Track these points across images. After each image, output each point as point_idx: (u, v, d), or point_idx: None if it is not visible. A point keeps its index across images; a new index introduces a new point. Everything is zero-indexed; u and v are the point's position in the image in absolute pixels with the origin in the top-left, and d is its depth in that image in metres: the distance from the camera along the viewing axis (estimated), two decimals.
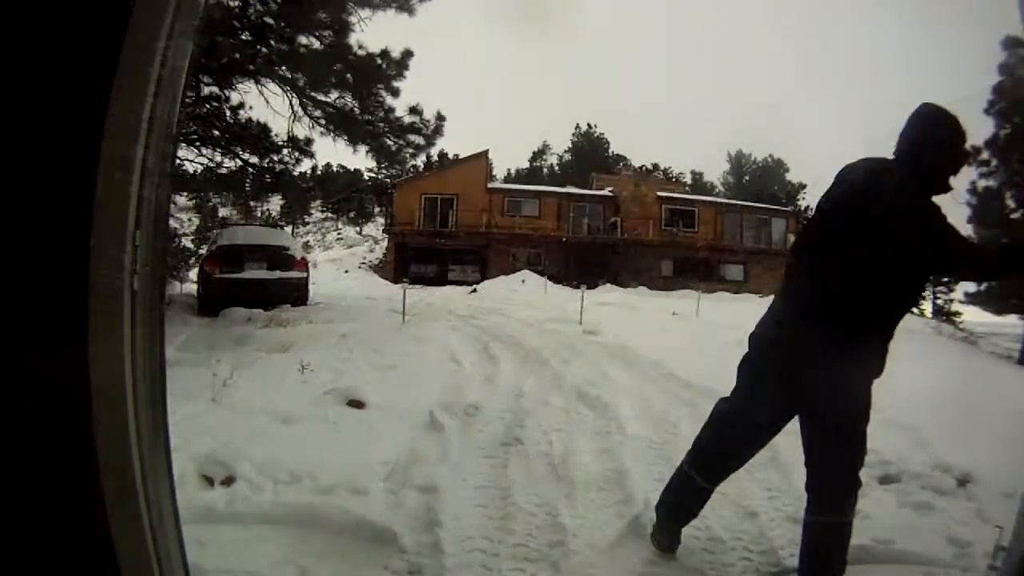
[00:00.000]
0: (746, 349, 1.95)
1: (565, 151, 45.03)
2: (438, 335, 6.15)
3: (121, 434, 0.98)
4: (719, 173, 46.57)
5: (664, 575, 1.89)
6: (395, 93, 8.96)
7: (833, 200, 1.83)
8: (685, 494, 1.97)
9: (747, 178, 44.27)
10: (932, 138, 1.75)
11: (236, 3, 7.07)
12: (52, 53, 0.96)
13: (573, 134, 44.29)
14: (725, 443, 1.94)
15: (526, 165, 47.26)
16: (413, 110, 9.35)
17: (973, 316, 15.54)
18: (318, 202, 39.28)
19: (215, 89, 8.29)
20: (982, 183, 11.52)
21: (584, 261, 22.90)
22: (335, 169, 38.22)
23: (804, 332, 1.75)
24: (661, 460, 2.87)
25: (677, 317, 9.49)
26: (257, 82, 8.29)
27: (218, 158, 9.64)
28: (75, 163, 0.96)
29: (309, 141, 9.58)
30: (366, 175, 36.89)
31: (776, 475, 2.66)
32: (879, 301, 1.72)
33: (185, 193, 16.91)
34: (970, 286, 13.85)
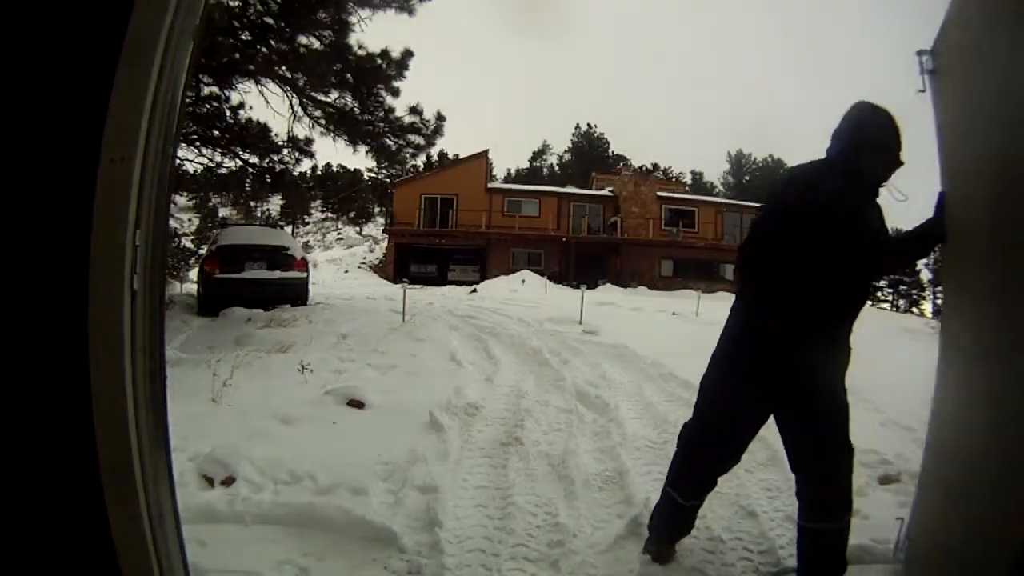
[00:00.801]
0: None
1: (565, 151, 45.21)
2: (438, 335, 6.15)
3: (121, 434, 0.98)
4: (719, 173, 46.70)
5: (664, 575, 1.89)
6: (395, 93, 8.97)
7: (770, 211, 1.85)
8: (670, 512, 1.96)
9: (747, 178, 44.31)
10: (862, 141, 1.74)
11: (236, 3, 7.08)
12: (52, 53, 0.96)
13: (573, 134, 44.44)
14: (698, 459, 1.92)
15: (526, 165, 47.39)
16: (413, 110, 9.36)
17: None
18: (318, 202, 39.37)
19: (215, 89, 8.30)
20: None
21: (584, 261, 22.92)
22: (335, 169, 38.32)
23: (772, 340, 1.74)
24: (661, 460, 2.87)
25: (677, 317, 9.49)
26: (257, 82, 8.30)
27: (218, 158, 9.66)
28: (75, 163, 0.96)
29: (309, 141, 9.60)
30: (366, 175, 36.99)
31: (776, 475, 2.66)
32: (831, 301, 1.72)
33: (185, 193, 16.93)
34: None
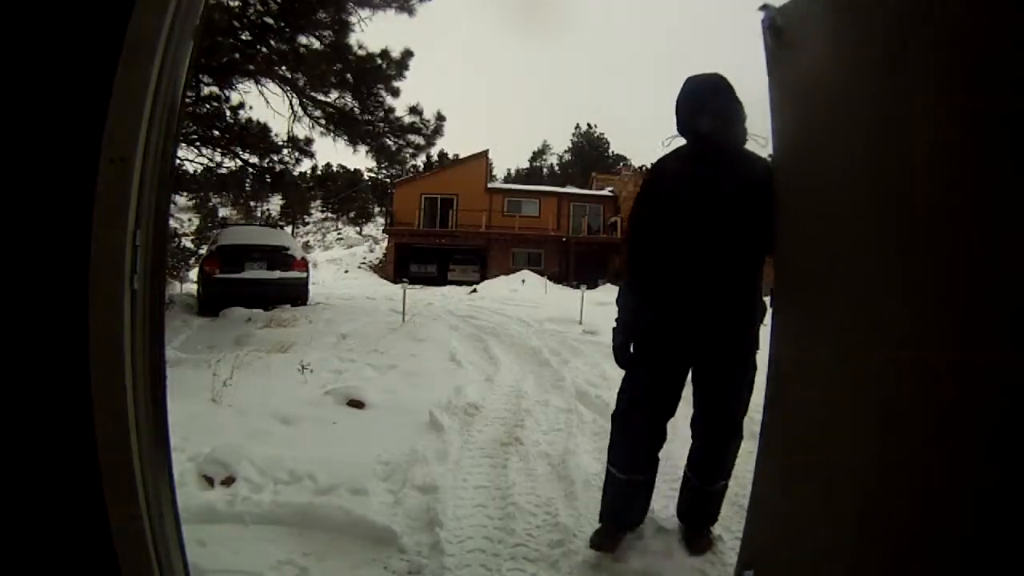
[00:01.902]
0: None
1: (565, 151, 45.13)
2: (438, 335, 6.15)
3: (121, 434, 0.98)
4: None
5: (664, 574, 1.89)
6: (395, 93, 8.98)
7: (654, 196, 1.94)
8: (613, 492, 1.99)
9: None
10: (718, 113, 1.81)
11: (236, 3, 7.08)
12: (53, 53, 0.96)
13: (573, 134, 44.36)
14: (631, 430, 1.99)
15: (526, 165, 47.38)
16: (413, 110, 9.37)
17: None
18: (318, 202, 39.37)
19: (215, 89, 8.30)
20: None
21: (584, 261, 22.90)
22: (335, 169, 38.31)
23: (698, 310, 1.84)
24: (660, 460, 2.87)
25: None
26: (257, 82, 8.30)
27: (218, 158, 9.66)
28: (75, 163, 0.96)
29: (309, 141, 9.61)
30: (366, 175, 36.99)
31: None
32: (749, 268, 1.85)
33: (185, 193, 16.92)
34: None
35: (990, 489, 0.86)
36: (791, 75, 1.46)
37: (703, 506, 2.04)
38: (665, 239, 1.88)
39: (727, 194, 1.78)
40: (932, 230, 0.97)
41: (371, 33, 8.56)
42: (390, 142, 9.62)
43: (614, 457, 2.01)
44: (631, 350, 1.98)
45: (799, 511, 1.34)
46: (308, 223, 38.81)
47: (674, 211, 1.85)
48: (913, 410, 1.00)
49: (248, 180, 10.99)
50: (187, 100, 1.75)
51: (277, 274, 8.09)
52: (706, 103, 1.82)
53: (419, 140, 9.64)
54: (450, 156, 34.50)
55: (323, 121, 9.19)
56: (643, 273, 1.96)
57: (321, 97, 8.93)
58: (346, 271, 26.47)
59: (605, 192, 26.04)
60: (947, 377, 0.94)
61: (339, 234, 37.48)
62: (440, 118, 9.64)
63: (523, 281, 18.17)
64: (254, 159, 9.86)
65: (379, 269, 26.47)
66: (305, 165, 12.16)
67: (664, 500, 2.29)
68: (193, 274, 11.81)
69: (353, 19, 7.97)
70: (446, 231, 24.33)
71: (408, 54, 8.69)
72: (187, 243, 19.28)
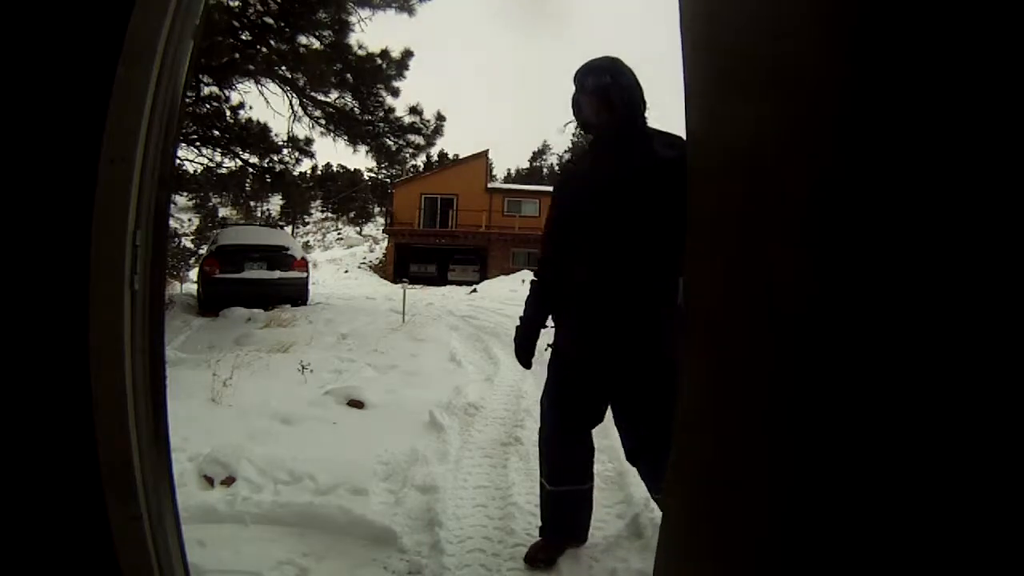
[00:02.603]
0: None
1: (565, 151, 45.10)
2: (438, 335, 6.15)
3: (121, 434, 0.99)
4: None
5: None
6: (395, 93, 8.99)
7: (560, 197, 1.82)
8: (546, 505, 1.97)
9: None
10: (632, 99, 1.69)
11: (236, 3, 7.08)
12: (53, 53, 0.96)
13: (573, 134, 44.33)
14: (557, 443, 1.94)
15: (526, 165, 47.39)
16: (413, 110, 9.39)
17: None
18: (318, 202, 39.40)
19: (215, 89, 8.31)
20: None
21: None
22: (335, 169, 38.35)
23: (606, 328, 1.68)
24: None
25: None
26: (257, 82, 8.31)
27: (218, 158, 9.68)
28: (75, 163, 0.96)
29: (309, 141, 9.63)
30: (366, 175, 37.03)
31: None
32: (656, 264, 1.61)
33: (185, 193, 16.93)
34: None
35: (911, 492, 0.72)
36: (709, 26, 1.10)
37: None
38: (569, 245, 1.73)
39: (627, 186, 1.60)
40: (862, 213, 0.72)
41: (371, 33, 8.58)
42: (390, 142, 9.64)
43: (542, 469, 1.96)
44: (533, 352, 1.93)
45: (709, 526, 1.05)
46: (308, 223, 38.85)
47: (575, 213, 1.72)
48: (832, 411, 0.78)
49: (248, 180, 11.02)
50: (187, 100, 1.75)
51: (277, 274, 8.10)
52: (592, 91, 1.67)
53: (419, 140, 9.66)
54: (450, 156, 34.54)
55: (323, 121, 9.21)
56: (548, 281, 1.85)
57: (321, 97, 8.95)
58: (346, 271, 26.47)
59: None
60: (871, 371, 0.73)
61: (339, 234, 37.49)
62: (440, 118, 9.68)
63: (523, 281, 18.13)
64: (254, 159, 9.88)
65: (379, 269, 26.46)
66: (305, 165, 12.23)
67: None
68: (193, 274, 11.82)
69: (353, 19, 7.99)
70: (446, 231, 24.32)
71: (408, 54, 8.72)
72: (187, 243, 19.29)
